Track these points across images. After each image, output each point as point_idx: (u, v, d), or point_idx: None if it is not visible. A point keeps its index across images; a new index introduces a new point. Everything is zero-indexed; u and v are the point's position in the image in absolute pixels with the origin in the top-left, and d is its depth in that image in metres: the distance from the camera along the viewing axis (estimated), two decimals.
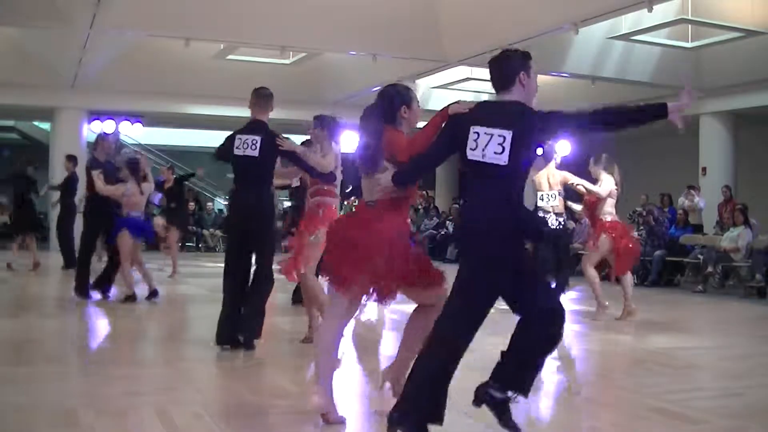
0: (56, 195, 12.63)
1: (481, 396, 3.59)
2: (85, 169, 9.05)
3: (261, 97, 5.84)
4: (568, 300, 9.05)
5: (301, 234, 5.80)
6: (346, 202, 10.61)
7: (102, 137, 9.35)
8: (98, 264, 9.77)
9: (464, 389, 4.65)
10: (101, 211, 8.63)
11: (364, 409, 4.30)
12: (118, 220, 8.41)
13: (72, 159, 12.52)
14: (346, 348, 6.16)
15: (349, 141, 8.09)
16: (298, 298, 8.44)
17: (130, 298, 8.25)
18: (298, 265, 5.75)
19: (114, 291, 8.67)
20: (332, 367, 3.82)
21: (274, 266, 5.83)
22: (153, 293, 8.39)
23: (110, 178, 8.61)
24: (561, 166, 8.33)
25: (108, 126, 17.56)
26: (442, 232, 18.45)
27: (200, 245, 19.09)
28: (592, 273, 7.92)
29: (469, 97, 19.71)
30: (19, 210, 12.39)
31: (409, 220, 3.95)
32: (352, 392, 4.72)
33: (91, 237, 8.90)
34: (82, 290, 8.45)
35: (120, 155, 9.09)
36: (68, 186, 12.32)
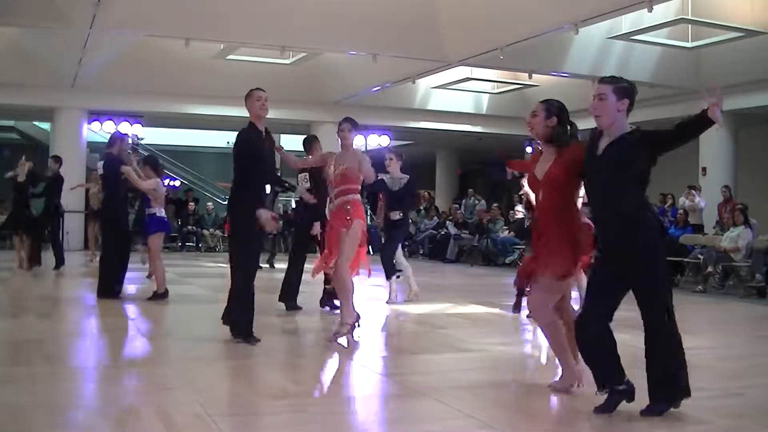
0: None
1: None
2: (102, 169, 8.99)
3: None
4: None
5: (333, 231, 6.06)
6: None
7: (120, 137, 9.34)
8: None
9: (462, 388, 4.66)
10: (120, 211, 8.69)
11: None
12: (153, 220, 8.47)
13: (58, 160, 12.46)
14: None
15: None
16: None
17: (161, 295, 8.33)
18: (330, 260, 6.04)
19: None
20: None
21: None
22: (161, 293, 8.43)
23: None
24: None
25: (108, 126, 17.57)
26: (442, 232, 18.44)
27: (200, 245, 19.08)
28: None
29: (469, 97, 19.75)
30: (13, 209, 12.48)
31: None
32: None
33: (116, 237, 8.83)
34: (108, 290, 8.43)
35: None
36: (55, 186, 12.24)
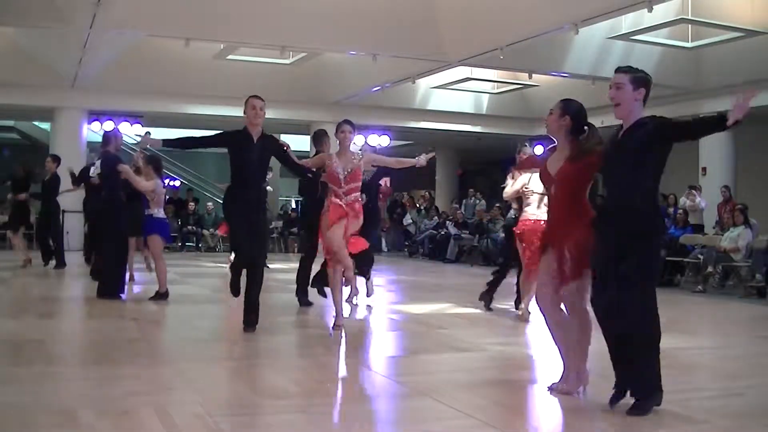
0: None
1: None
2: (101, 168, 8.97)
3: None
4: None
5: (346, 225, 6.54)
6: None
7: (114, 135, 9.35)
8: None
9: (462, 388, 4.66)
10: (120, 210, 8.70)
11: (366, 407, 4.31)
12: (151, 221, 8.50)
13: (56, 159, 12.46)
14: (347, 348, 6.18)
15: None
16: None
17: (162, 295, 8.37)
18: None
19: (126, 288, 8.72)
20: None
21: None
22: (163, 293, 8.46)
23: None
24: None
25: (108, 126, 17.54)
26: (442, 232, 18.45)
27: (200, 245, 19.08)
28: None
29: (469, 97, 19.73)
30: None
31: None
32: (354, 391, 4.73)
33: (116, 237, 8.84)
34: (108, 290, 8.46)
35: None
36: (51, 185, 12.29)
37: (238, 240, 6.51)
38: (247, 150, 6.37)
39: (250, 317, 6.36)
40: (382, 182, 9.05)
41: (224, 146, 6.57)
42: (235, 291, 6.50)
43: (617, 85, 4.12)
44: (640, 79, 4.11)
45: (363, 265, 8.50)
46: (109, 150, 8.83)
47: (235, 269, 6.56)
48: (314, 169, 6.86)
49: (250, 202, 6.38)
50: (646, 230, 4.04)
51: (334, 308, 6.76)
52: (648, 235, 4.05)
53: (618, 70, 4.19)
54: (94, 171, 9.20)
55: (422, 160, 6.82)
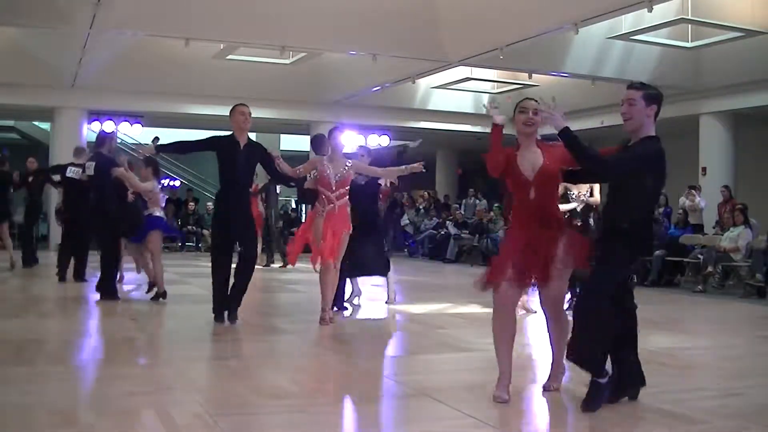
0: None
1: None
2: (93, 169, 8.93)
3: None
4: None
5: (337, 231, 6.75)
6: None
7: (109, 136, 9.33)
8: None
9: (462, 388, 4.66)
10: (114, 212, 8.68)
11: (368, 409, 4.30)
12: (150, 220, 8.49)
13: (36, 160, 12.61)
14: (353, 348, 6.18)
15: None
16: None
17: (162, 294, 8.36)
18: (332, 255, 6.73)
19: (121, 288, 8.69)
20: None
21: None
22: (162, 293, 8.44)
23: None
24: None
25: (108, 126, 17.53)
26: (442, 232, 18.45)
27: (200, 245, 19.07)
28: None
29: (468, 98, 19.74)
30: None
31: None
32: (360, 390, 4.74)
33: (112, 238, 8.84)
34: (111, 290, 8.46)
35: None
36: (41, 183, 12.43)
37: (214, 244, 6.97)
38: (234, 155, 6.62)
39: (232, 305, 6.68)
40: (381, 182, 9.01)
41: (212, 150, 6.78)
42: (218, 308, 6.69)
43: (630, 101, 4.16)
44: (652, 96, 4.17)
45: (376, 266, 8.44)
46: (101, 152, 8.81)
47: (214, 275, 6.80)
48: (297, 177, 7.05)
49: (233, 207, 6.68)
50: (621, 244, 4.14)
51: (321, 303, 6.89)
52: (621, 247, 4.16)
53: (631, 86, 4.24)
54: (80, 173, 9.10)
55: (416, 167, 6.84)
